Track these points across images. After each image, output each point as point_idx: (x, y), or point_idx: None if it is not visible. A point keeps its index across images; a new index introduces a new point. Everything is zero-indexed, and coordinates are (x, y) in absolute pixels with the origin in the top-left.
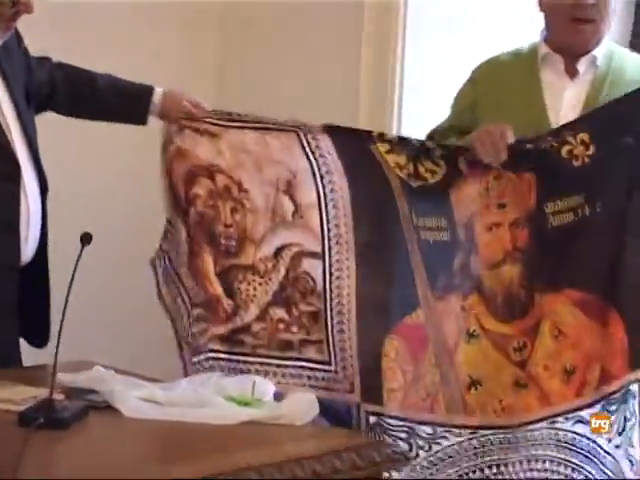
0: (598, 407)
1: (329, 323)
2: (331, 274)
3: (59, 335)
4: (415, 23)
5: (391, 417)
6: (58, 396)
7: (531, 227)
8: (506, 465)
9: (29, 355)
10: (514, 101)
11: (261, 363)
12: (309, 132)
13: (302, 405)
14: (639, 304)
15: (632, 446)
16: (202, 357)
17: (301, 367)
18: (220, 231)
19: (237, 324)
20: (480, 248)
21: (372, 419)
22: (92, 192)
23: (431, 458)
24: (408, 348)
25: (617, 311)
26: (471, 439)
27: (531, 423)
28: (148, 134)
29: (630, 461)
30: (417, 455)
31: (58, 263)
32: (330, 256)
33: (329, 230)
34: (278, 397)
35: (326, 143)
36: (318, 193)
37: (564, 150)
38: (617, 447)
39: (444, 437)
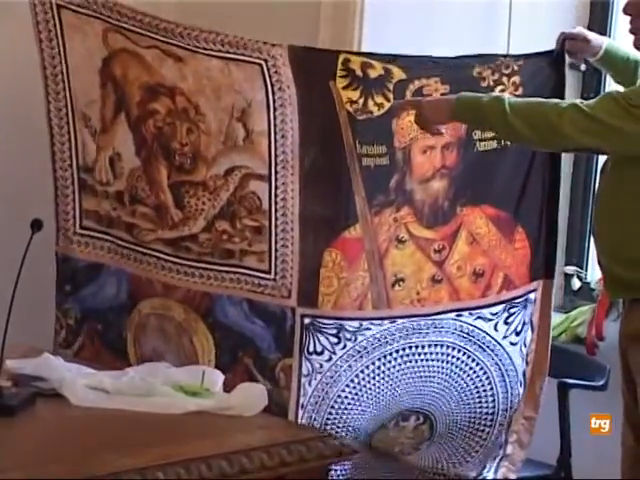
0: (500, 308)
1: (273, 238)
2: (276, 195)
3: (7, 322)
4: None
5: (324, 317)
6: (5, 383)
7: (460, 150)
8: (417, 347)
9: None
10: None
11: (204, 268)
12: (273, 65)
13: (251, 396)
14: (537, 222)
15: (525, 346)
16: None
17: (241, 273)
18: (176, 148)
19: (184, 233)
20: (414, 167)
21: (306, 320)
22: None
23: (357, 347)
24: (344, 258)
25: (523, 228)
26: (390, 327)
27: (440, 313)
28: None
29: (522, 358)
30: (345, 346)
31: None
32: (276, 179)
33: (276, 156)
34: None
35: (287, 76)
36: (269, 123)
37: (497, 89)
38: (512, 344)
39: (368, 328)
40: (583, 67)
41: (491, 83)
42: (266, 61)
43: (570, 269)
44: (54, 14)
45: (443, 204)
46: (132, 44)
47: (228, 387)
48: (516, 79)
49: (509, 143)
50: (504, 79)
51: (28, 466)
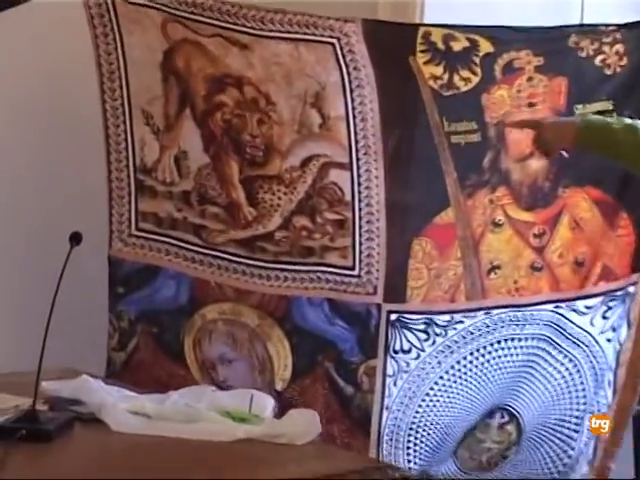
0: (597, 301)
1: (357, 231)
2: (359, 184)
3: (44, 342)
4: None
5: (411, 312)
6: (41, 406)
7: None
8: (512, 340)
9: (8, 360)
10: None
11: (281, 269)
12: (347, 44)
13: (303, 423)
14: None
15: (620, 343)
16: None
17: (321, 272)
18: (246, 140)
19: (258, 232)
20: (509, 145)
21: (393, 317)
22: None
23: (447, 342)
24: (435, 246)
25: (627, 213)
26: (485, 319)
27: (539, 304)
28: None
29: (615, 357)
30: (434, 342)
31: None
32: (358, 167)
33: (357, 142)
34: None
35: (362, 54)
36: (346, 106)
37: (598, 59)
38: (608, 341)
39: (460, 322)
40: None
41: (590, 53)
42: (339, 39)
43: None
44: (109, 8)
45: (543, 185)
46: (193, 34)
47: (307, 393)
48: (619, 47)
49: (615, 115)
50: (605, 48)
51: None
